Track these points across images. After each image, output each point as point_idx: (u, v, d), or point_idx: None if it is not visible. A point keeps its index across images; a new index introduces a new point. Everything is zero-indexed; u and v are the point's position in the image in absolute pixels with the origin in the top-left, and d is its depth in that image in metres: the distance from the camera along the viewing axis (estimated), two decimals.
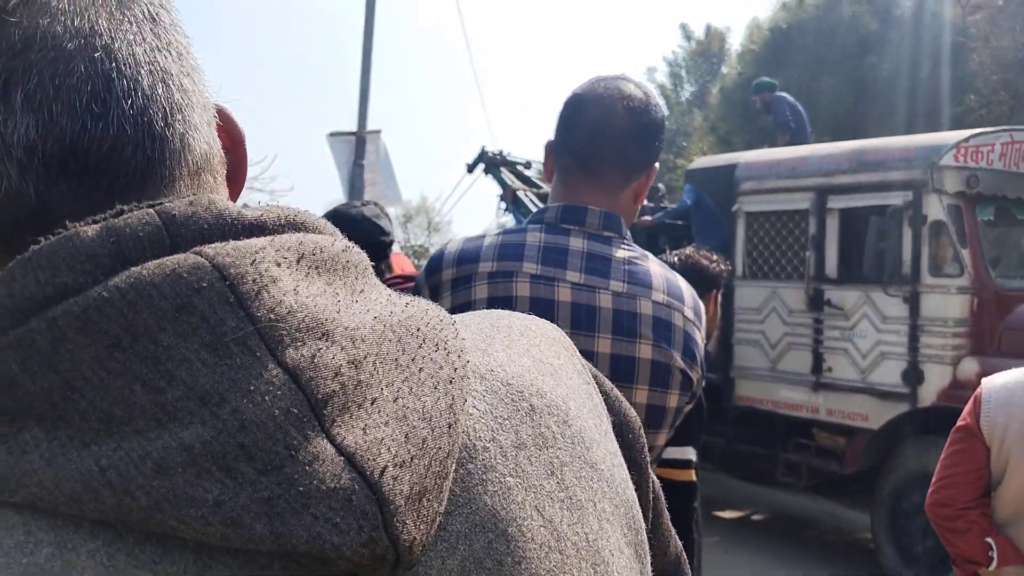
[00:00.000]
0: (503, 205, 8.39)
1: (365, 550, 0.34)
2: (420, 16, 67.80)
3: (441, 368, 0.41)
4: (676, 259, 2.48)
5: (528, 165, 8.62)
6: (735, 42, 23.01)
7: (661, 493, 0.65)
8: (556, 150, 1.36)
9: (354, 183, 7.26)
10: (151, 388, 0.34)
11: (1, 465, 0.34)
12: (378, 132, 7.67)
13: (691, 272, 2.37)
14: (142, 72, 0.42)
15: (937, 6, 14.68)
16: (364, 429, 0.36)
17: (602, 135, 1.30)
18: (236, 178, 0.50)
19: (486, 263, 1.24)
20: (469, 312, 0.54)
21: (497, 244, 1.26)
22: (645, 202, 9.57)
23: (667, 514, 0.67)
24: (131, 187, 0.41)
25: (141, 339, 0.35)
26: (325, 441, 0.35)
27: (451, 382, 0.41)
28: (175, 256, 0.36)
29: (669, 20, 64.92)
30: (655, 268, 1.29)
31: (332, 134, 7.76)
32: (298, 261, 0.39)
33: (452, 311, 0.56)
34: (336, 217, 2.49)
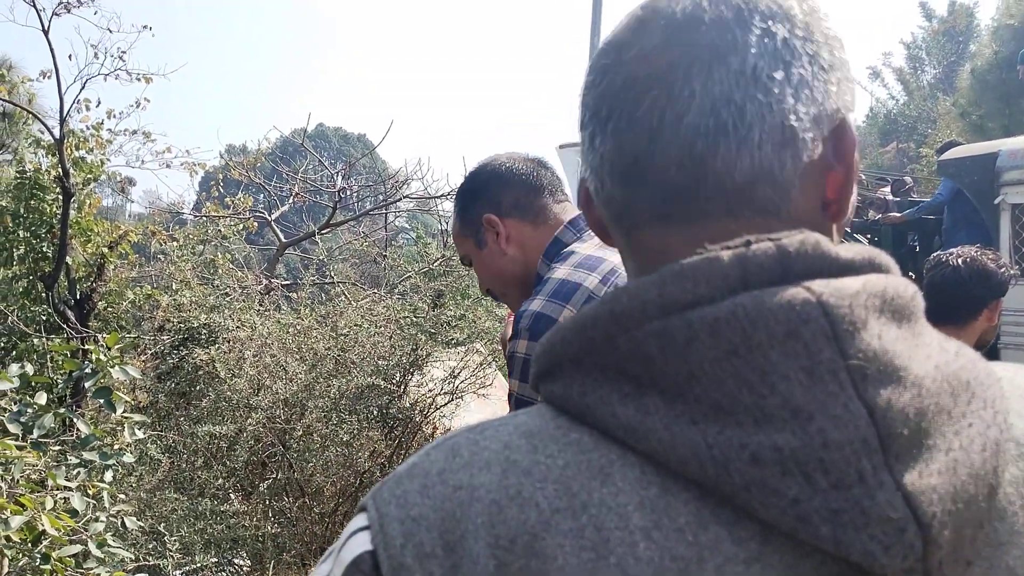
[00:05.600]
0: None
1: None
2: None
3: (989, 428, 0.44)
4: (960, 262, 2.10)
5: None
6: (984, 17, 20.73)
7: None
8: None
9: None
10: (755, 393, 0.42)
11: (632, 419, 0.44)
12: None
13: (976, 277, 2.07)
14: (692, 104, 0.48)
15: None
16: (920, 473, 0.41)
17: None
18: (842, 192, 0.51)
19: None
20: (1008, 365, 0.53)
21: None
22: (890, 196, 8.68)
23: None
24: (682, 198, 0.49)
25: (754, 352, 0.42)
26: (888, 475, 0.40)
27: (997, 444, 0.43)
28: (789, 289, 0.43)
29: (905, 1, 59.67)
30: None
31: (562, 146, 7.82)
32: (882, 306, 0.44)
33: None
34: None
